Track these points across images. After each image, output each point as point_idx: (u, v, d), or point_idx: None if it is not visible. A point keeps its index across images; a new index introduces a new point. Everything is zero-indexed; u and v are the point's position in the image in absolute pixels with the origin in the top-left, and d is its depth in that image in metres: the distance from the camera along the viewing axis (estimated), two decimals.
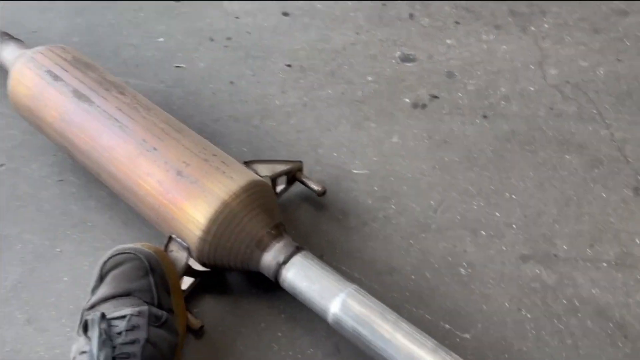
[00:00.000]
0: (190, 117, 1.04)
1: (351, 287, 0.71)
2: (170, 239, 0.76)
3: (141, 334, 0.66)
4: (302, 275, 0.72)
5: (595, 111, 1.00)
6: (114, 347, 0.64)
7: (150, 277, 0.71)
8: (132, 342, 0.65)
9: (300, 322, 0.78)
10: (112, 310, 0.68)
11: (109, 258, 0.72)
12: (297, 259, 0.73)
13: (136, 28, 1.21)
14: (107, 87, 0.85)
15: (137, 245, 0.73)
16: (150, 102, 0.87)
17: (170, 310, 0.72)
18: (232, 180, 0.74)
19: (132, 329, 0.66)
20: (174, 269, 0.75)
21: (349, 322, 0.69)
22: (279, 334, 0.77)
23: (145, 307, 0.69)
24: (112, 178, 0.80)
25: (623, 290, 0.78)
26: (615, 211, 0.87)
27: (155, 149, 0.77)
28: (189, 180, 0.74)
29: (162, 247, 0.76)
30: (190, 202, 0.73)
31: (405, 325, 0.67)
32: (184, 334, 0.74)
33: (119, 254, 0.72)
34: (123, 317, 0.67)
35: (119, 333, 0.66)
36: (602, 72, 1.05)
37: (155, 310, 0.70)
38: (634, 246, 0.83)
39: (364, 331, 0.68)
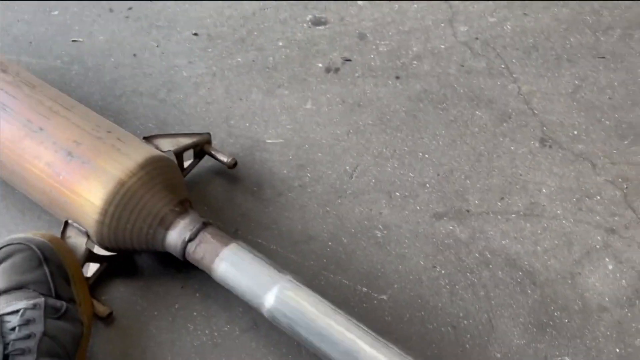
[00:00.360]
0: (90, 94, 0.98)
1: (285, 279, 0.67)
2: (66, 224, 0.72)
3: (37, 328, 0.62)
4: (235, 272, 0.68)
5: (503, 66, 1.01)
6: (6, 344, 0.60)
7: (45, 267, 0.67)
8: (27, 337, 0.61)
9: (216, 300, 0.76)
10: (4, 305, 0.64)
11: None
12: (227, 253, 0.68)
13: (27, 1, 1.11)
14: None
15: (29, 234, 0.68)
16: (37, 78, 0.81)
17: (71, 300, 0.68)
18: (129, 157, 0.70)
19: (26, 323, 0.62)
20: (72, 256, 0.70)
21: (282, 317, 0.66)
22: (194, 313, 0.75)
23: (41, 299, 0.65)
24: None
25: (531, 240, 0.80)
26: (523, 163, 0.88)
27: (41, 129, 0.71)
28: (81, 160, 0.69)
29: (58, 234, 0.72)
30: (84, 184, 0.68)
31: (341, 318, 0.64)
32: (89, 323, 0.70)
33: (7, 245, 0.67)
34: (16, 311, 0.63)
35: (12, 329, 0.61)
36: (509, 27, 1.06)
37: (53, 301, 0.65)
38: (540, 196, 0.85)
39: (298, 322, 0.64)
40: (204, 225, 0.71)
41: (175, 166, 0.76)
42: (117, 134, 0.73)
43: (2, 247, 0.67)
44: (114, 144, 0.71)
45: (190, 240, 0.70)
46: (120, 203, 0.68)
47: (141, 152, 0.71)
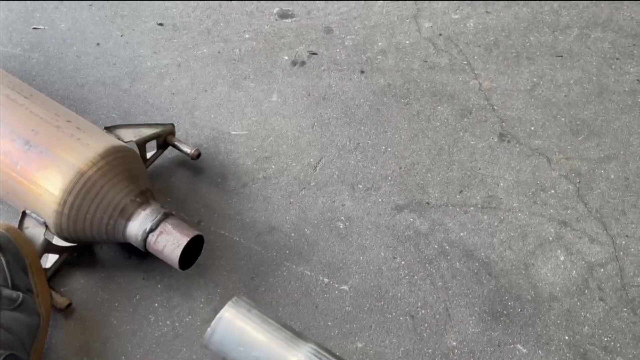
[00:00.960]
0: (51, 83, 0.96)
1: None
2: (23, 214, 0.71)
3: None
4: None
5: (465, 62, 1.03)
6: None
7: (1, 256, 0.66)
8: None
9: (178, 290, 0.76)
10: None
11: None
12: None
13: None
14: None
15: None
16: None
17: (28, 291, 0.67)
18: (89, 147, 0.69)
19: None
20: (30, 246, 0.69)
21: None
22: (156, 304, 0.75)
23: None
24: None
25: (488, 232, 0.83)
26: (482, 157, 0.91)
27: None
28: (39, 149, 0.68)
29: (15, 225, 0.70)
30: (42, 173, 0.68)
31: None
32: (47, 315, 0.69)
33: None
34: None
35: None
36: (471, 24, 1.09)
37: (8, 292, 0.64)
38: (498, 189, 0.87)
39: None
40: (165, 215, 0.71)
41: (137, 156, 0.75)
42: (76, 123, 0.72)
43: None
44: (73, 134, 0.70)
45: (151, 230, 0.70)
46: (80, 193, 0.68)
47: (102, 142, 0.71)
